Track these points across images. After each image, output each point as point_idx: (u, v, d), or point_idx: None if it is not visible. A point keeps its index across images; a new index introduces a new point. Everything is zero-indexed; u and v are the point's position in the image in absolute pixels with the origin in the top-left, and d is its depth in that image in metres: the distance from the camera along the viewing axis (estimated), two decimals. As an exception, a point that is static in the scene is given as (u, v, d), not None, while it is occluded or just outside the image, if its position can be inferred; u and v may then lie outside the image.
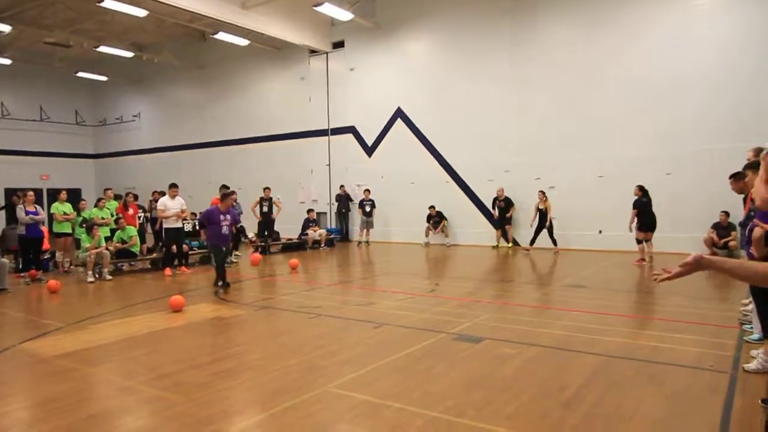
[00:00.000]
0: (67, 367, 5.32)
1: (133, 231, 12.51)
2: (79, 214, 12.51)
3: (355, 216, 18.82)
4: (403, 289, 9.42)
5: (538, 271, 12.04)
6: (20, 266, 11.60)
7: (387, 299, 8.65)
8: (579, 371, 4.86)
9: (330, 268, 13.29)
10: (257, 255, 10.73)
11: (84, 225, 11.86)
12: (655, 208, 12.06)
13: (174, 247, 11.99)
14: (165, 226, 12.00)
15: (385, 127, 18.55)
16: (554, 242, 14.26)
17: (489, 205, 16.22)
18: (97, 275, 11.12)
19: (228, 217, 9.72)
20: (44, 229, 11.95)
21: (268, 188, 16.09)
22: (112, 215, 12.68)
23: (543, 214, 14.25)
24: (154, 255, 13.29)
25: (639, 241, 12.12)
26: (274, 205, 15.86)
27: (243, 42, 19.11)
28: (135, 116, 26.59)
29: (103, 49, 20.28)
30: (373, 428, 3.78)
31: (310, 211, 17.77)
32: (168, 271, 11.76)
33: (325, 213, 20.10)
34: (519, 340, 5.91)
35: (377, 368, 5.07)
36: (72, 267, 12.41)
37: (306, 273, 12.09)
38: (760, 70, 12.48)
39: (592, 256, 13.50)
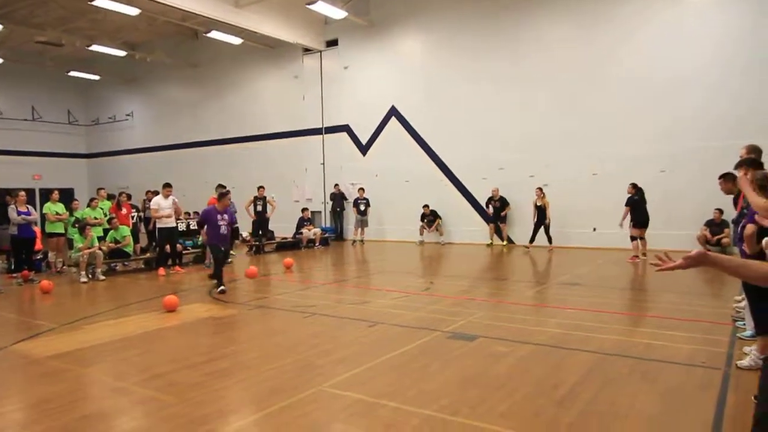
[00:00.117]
0: (60, 368, 5.29)
1: (126, 231, 12.44)
2: (71, 214, 12.43)
3: (350, 215, 18.80)
4: (398, 288, 9.41)
5: (533, 268, 12.07)
6: (12, 267, 11.53)
7: (381, 298, 8.65)
8: (573, 369, 4.88)
9: (324, 267, 13.27)
10: (254, 269, 10.55)
11: (76, 225, 11.80)
12: (650, 206, 12.13)
13: (168, 247, 11.94)
14: (158, 225, 11.95)
15: (379, 125, 18.53)
16: (549, 239, 14.30)
17: (483, 204, 16.23)
18: (90, 275, 11.06)
19: (225, 216, 9.59)
20: (36, 229, 11.88)
21: (262, 187, 16.05)
22: (105, 215, 12.62)
23: (541, 211, 14.30)
24: (148, 255, 13.23)
25: (633, 238, 12.18)
26: (268, 204, 15.83)
27: (236, 40, 19.04)
28: (128, 115, 26.46)
29: (95, 48, 20.14)
30: (368, 427, 3.78)
31: (304, 209, 17.74)
32: (162, 270, 11.72)
33: (320, 212, 20.07)
34: (513, 338, 5.92)
35: (372, 367, 5.06)
36: (65, 267, 12.35)
37: (300, 272, 12.07)
38: (754, 66, 12.53)
39: (587, 253, 13.54)
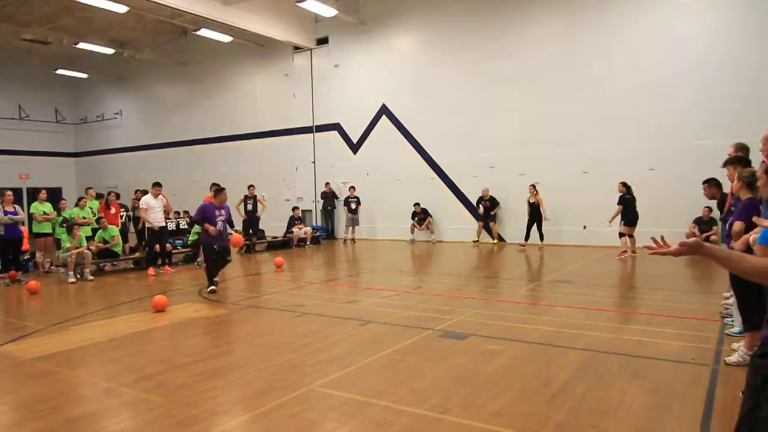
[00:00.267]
0: (47, 369, 5.23)
1: (115, 230, 12.33)
2: (59, 214, 12.31)
3: (341, 213, 18.77)
4: (389, 287, 9.40)
5: (524, 266, 12.10)
6: (-1, 267, 11.39)
7: (372, 296, 8.63)
8: (564, 366, 4.89)
9: (315, 266, 13.24)
10: (239, 236, 10.31)
11: (64, 225, 11.68)
12: (639, 204, 12.21)
13: (157, 247, 11.85)
14: (147, 225, 11.85)
15: (370, 124, 18.50)
16: (541, 237, 14.37)
17: (474, 203, 16.26)
18: (78, 275, 10.95)
19: (223, 212, 9.47)
20: (24, 229, 11.74)
21: (252, 186, 15.98)
22: (93, 215, 12.50)
23: (535, 208, 14.34)
24: (137, 254, 13.13)
25: (621, 235, 12.29)
26: (258, 203, 15.76)
27: (226, 38, 18.92)
28: (116, 114, 26.22)
29: (82, 45, 19.95)
30: (359, 426, 3.76)
31: (295, 208, 17.67)
32: (151, 270, 11.63)
33: (311, 210, 20.02)
34: (504, 337, 5.93)
35: (363, 366, 5.05)
36: (52, 267, 12.22)
37: (291, 271, 12.03)
38: (744, 66, 12.61)
39: (577, 251, 13.60)
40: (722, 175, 5.95)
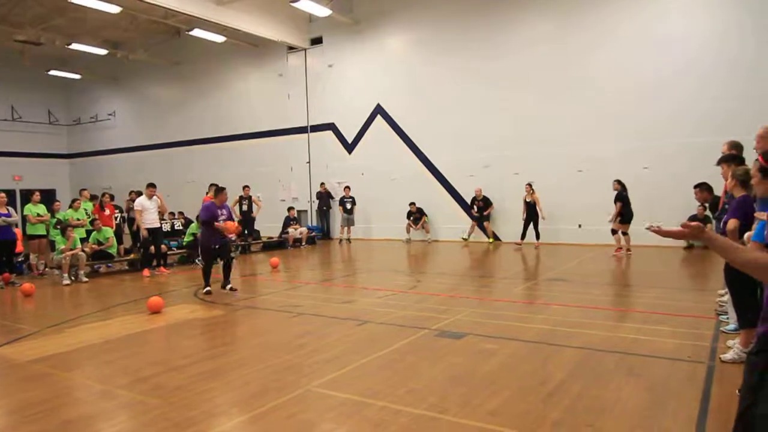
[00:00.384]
0: (42, 371, 5.20)
1: (109, 232, 12.29)
2: (53, 216, 12.25)
3: (336, 213, 18.75)
4: (385, 286, 9.41)
5: (519, 265, 12.12)
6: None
7: (369, 296, 8.63)
8: (561, 365, 4.90)
9: (311, 266, 13.22)
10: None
11: (58, 226, 11.63)
12: (633, 202, 12.26)
13: (152, 248, 11.80)
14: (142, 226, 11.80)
15: (364, 123, 18.49)
16: (537, 235, 14.40)
17: (469, 203, 16.28)
18: (72, 277, 10.91)
19: (225, 211, 9.36)
20: (17, 231, 11.68)
21: (247, 186, 15.95)
22: (87, 216, 12.45)
23: (531, 207, 14.37)
24: (132, 256, 13.08)
25: (614, 232, 12.35)
26: (253, 204, 15.74)
27: (219, 39, 18.86)
28: (110, 115, 26.12)
29: (75, 46, 19.83)
30: (357, 427, 3.76)
31: (290, 209, 17.66)
32: (146, 272, 11.59)
33: (306, 211, 20.00)
34: (501, 336, 5.94)
35: (360, 366, 5.04)
36: (47, 269, 12.15)
37: (287, 271, 12.01)
38: (738, 65, 12.66)
39: (573, 249, 13.64)
40: (716, 173, 5.97)
